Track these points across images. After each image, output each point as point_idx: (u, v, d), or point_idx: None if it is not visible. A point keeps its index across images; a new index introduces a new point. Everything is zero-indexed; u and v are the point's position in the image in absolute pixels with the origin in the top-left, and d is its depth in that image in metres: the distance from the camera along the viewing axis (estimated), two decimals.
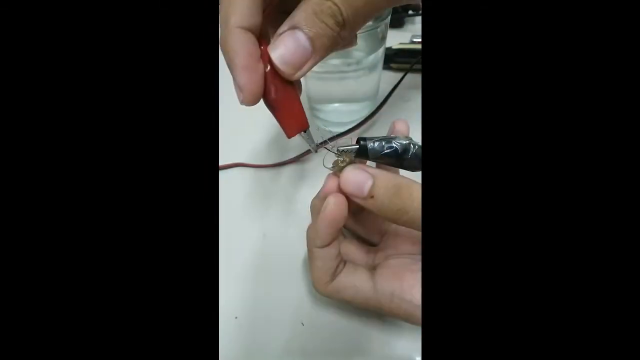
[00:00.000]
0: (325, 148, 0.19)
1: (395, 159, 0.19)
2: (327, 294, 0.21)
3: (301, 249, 0.27)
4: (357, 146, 0.19)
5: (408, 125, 0.21)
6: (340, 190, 0.18)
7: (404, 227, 0.23)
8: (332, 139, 0.30)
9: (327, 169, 0.20)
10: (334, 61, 0.31)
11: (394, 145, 0.19)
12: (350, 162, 0.19)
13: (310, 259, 0.21)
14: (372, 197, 0.17)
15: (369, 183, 0.17)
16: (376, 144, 0.19)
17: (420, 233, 0.22)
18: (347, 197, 0.18)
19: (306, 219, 0.21)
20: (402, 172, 0.20)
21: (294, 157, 0.33)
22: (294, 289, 0.26)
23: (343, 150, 0.19)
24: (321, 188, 0.20)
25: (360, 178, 0.17)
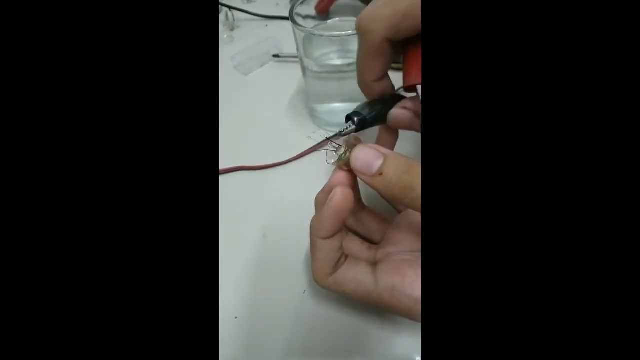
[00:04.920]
0: (332, 142, 0.20)
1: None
2: (327, 287, 0.21)
3: (301, 248, 0.27)
4: (354, 126, 0.21)
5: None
6: (346, 180, 0.19)
7: (405, 225, 0.23)
8: (330, 138, 0.30)
9: (328, 168, 0.20)
10: (334, 61, 0.31)
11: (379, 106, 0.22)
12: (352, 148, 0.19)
13: (312, 250, 0.21)
14: (380, 174, 0.18)
15: (379, 161, 0.18)
16: (366, 112, 0.22)
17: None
18: (352, 189, 0.19)
19: (306, 218, 0.21)
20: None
21: (293, 157, 0.33)
22: (294, 289, 0.26)
23: (345, 134, 0.21)
24: (327, 182, 0.21)
25: (371, 155, 0.18)
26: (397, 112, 0.23)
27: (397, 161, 0.18)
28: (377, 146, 0.19)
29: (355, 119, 0.22)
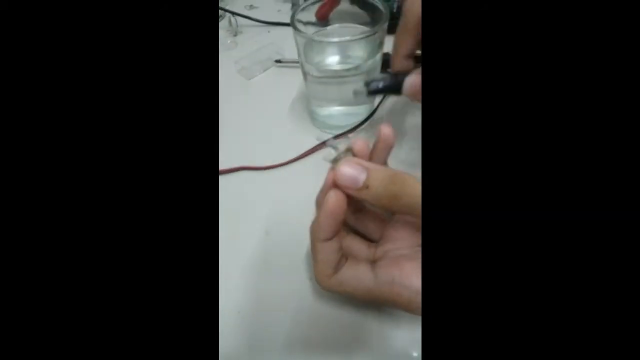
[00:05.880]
0: (330, 147, 0.21)
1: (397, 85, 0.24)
2: (329, 287, 0.21)
3: (302, 245, 0.28)
4: (366, 89, 0.24)
5: (393, 130, 0.23)
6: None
7: (401, 223, 0.24)
8: (334, 137, 0.31)
9: (328, 168, 0.21)
10: (333, 67, 0.32)
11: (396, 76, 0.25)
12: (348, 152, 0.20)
13: (313, 253, 0.21)
14: (367, 187, 0.18)
15: (363, 175, 0.19)
16: (380, 84, 0.25)
17: (417, 223, 0.22)
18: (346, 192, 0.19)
19: (306, 216, 0.22)
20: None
21: (294, 158, 0.34)
22: (295, 285, 0.26)
23: (357, 93, 0.26)
24: (323, 183, 0.21)
25: (354, 171, 0.19)
26: (413, 80, 0.23)
27: (381, 173, 0.19)
28: (360, 161, 0.20)
29: (370, 89, 0.26)
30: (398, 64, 0.25)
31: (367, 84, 0.26)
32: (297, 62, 0.40)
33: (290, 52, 0.45)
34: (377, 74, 0.26)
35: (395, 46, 0.25)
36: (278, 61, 0.45)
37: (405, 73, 0.24)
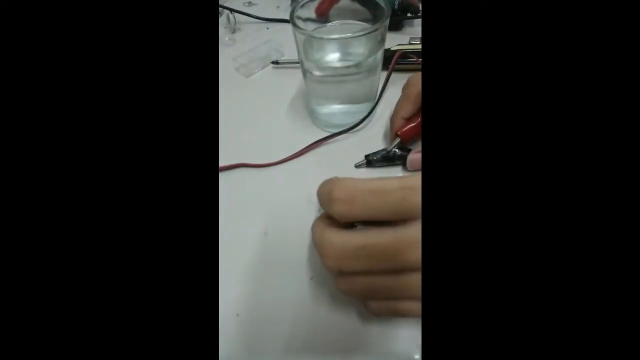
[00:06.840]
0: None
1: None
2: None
3: (301, 246, 0.27)
4: (365, 161, 0.32)
5: None
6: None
7: None
8: (332, 136, 0.31)
9: (328, 166, 0.20)
10: (334, 64, 0.32)
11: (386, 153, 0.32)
12: None
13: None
14: None
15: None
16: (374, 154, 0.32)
17: None
18: None
19: (306, 216, 0.21)
20: None
21: (293, 155, 0.34)
22: (294, 287, 0.26)
23: (357, 165, 0.32)
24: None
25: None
26: (413, 157, 0.31)
27: None
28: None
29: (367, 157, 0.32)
30: (396, 123, 0.31)
31: (366, 157, 0.32)
32: (295, 63, 0.39)
33: (289, 49, 0.45)
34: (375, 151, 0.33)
35: (397, 109, 0.31)
36: (275, 62, 0.44)
37: (402, 149, 0.32)
